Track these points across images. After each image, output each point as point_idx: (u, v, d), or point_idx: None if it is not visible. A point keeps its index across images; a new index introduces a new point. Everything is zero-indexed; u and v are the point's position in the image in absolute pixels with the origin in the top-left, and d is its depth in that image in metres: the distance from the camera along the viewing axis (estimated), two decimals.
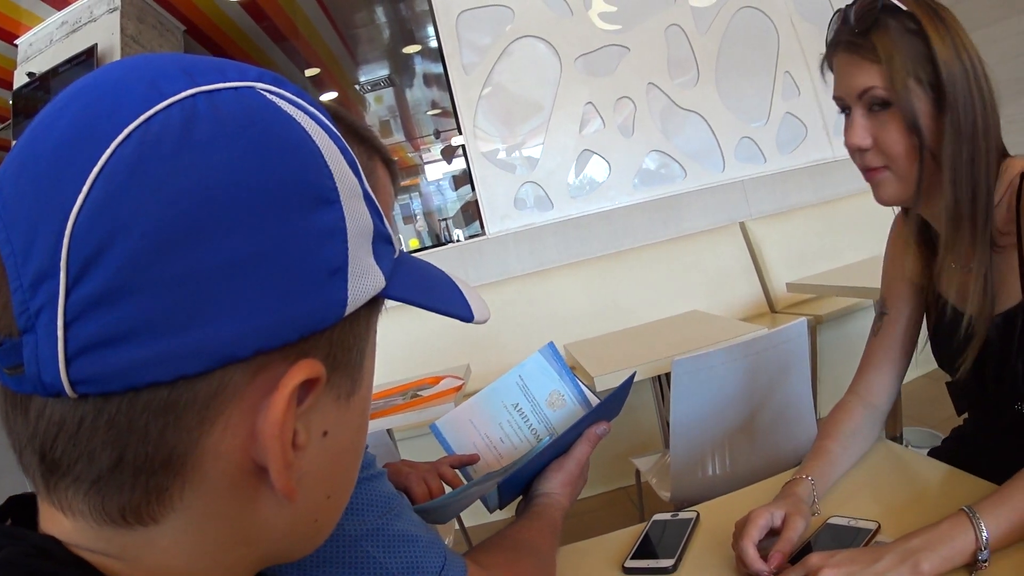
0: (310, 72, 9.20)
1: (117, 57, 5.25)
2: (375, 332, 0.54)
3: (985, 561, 0.98)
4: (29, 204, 0.39)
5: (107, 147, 0.39)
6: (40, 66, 5.50)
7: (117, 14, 5.41)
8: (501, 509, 1.31)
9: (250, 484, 0.45)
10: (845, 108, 1.30)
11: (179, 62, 0.45)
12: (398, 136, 13.32)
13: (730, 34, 5.36)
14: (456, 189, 13.11)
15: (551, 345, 1.46)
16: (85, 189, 0.38)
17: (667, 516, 1.35)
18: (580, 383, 1.44)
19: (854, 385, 1.52)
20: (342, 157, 0.48)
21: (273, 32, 7.47)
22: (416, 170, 14.38)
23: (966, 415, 1.58)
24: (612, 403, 1.38)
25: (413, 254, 1.19)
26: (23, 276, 0.38)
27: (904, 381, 2.91)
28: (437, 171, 13.99)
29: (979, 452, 1.37)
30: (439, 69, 9.39)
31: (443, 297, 0.59)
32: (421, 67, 9.93)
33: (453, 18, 5.07)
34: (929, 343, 1.51)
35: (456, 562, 0.98)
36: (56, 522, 0.44)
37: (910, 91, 1.19)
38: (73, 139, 0.39)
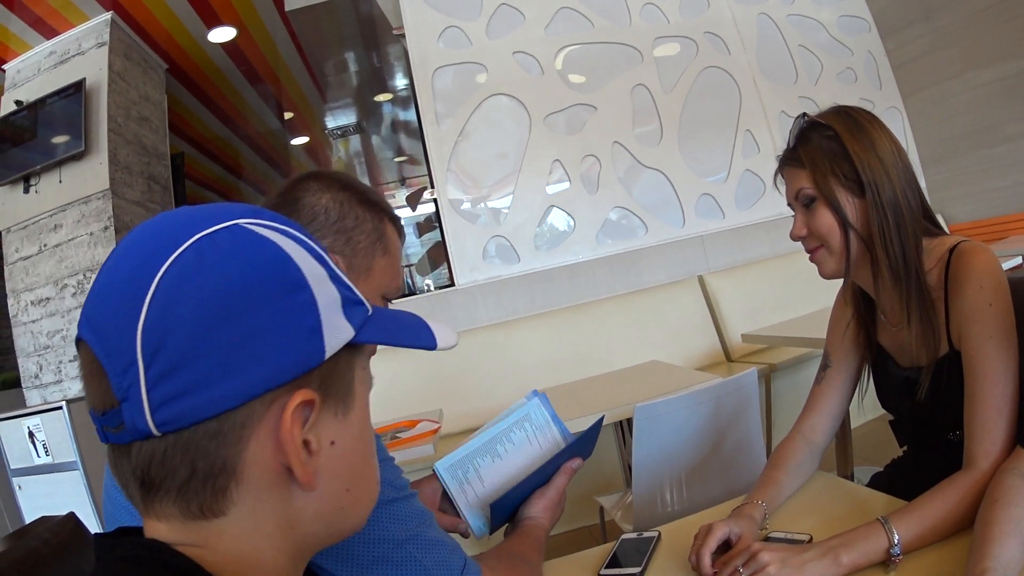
0: (286, 116, 9.35)
1: (104, 93, 5.44)
2: (364, 368, 0.75)
3: (898, 555, 1.22)
4: (110, 322, 0.61)
5: (153, 280, 0.61)
6: (28, 94, 5.61)
7: (105, 49, 5.56)
8: (490, 534, 1.53)
9: (282, 481, 0.65)
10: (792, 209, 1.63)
11: (190, 217, 0.67)
12: (364, 181, 13.43)
13: (694, 93, 5.62)
14: (420, 236, 13.23)
15: (543, 395, 1.70)
16: (144, 308, 0.60)
17: (633, 535, 1.55)
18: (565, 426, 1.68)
19: (798, 424, 1.75)
20: (309, 255, 0.69)
21: (251, 75, 7.66)
22: None
23: (905, 448, 1.86)
24: (585, 442, 1.63)
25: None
26: (115, 367, 0.60)
27: (855, 425, 3.13)
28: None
29: (916, 477, 1.59)
30: (407, 116, 9.60)
31: (408, 335, 0.78)
32: (390, 114, 10.09)
33: (429, 73, 5.26)
34: (875, 390, 1.77)
35: (472, 564, 1.21)
36: (156, 530, 0.64)
37: (831, 185, 1.51)
38: (131, 275, 0.62)
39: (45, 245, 5.46)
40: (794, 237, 1.60)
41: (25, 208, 5.55)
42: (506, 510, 1.54)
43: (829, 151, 1.53)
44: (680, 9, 5.73)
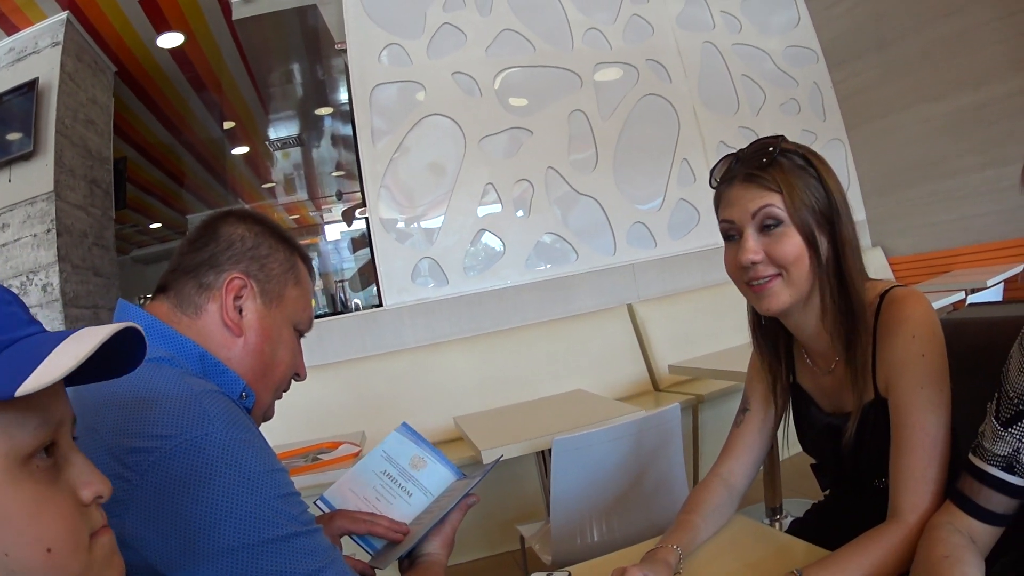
0: (228, 125, 9.27)
1: (55, 94, 5.42)
2: None
3: None
4: None
5: None
6: None
7: (59, 49, 5.54)
8: (383, 568, 1.55)
9: None
10: (731, 234, 1.50)
11: None
12: (301, 194, 13.31)
13: (632, 120, 5.66)
14: (354, 252, 13.08)
15: (405, 424, 1.78)
16: None
17: (543, 575, 1.52)
18: (433, 447, 1.75)
19: (716, 467, 1.71)
20: None
21: (196, 82, 7.64)
22: (316, 229, 14.32)
23: (828, 492, 1.83)
24: (480, 480, 1.66)
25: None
26: None
27: (783, 457, 3.14)
28: (336, 232, 13.95)
29: (838, 523, 1.57)
30: (347, 131, 9.55)
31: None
32: (330, 128, 10.03)
33: (368, 90, 5.21)
34: (796, 433, 1.74)
35: None
36: None
37: (804, 211, 1.42)
38: None
39: None
40: (745, 262, 1.44)
41: None
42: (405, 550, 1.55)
43: (803, 175, 1.44)
44: (624, 35, 5.78)
